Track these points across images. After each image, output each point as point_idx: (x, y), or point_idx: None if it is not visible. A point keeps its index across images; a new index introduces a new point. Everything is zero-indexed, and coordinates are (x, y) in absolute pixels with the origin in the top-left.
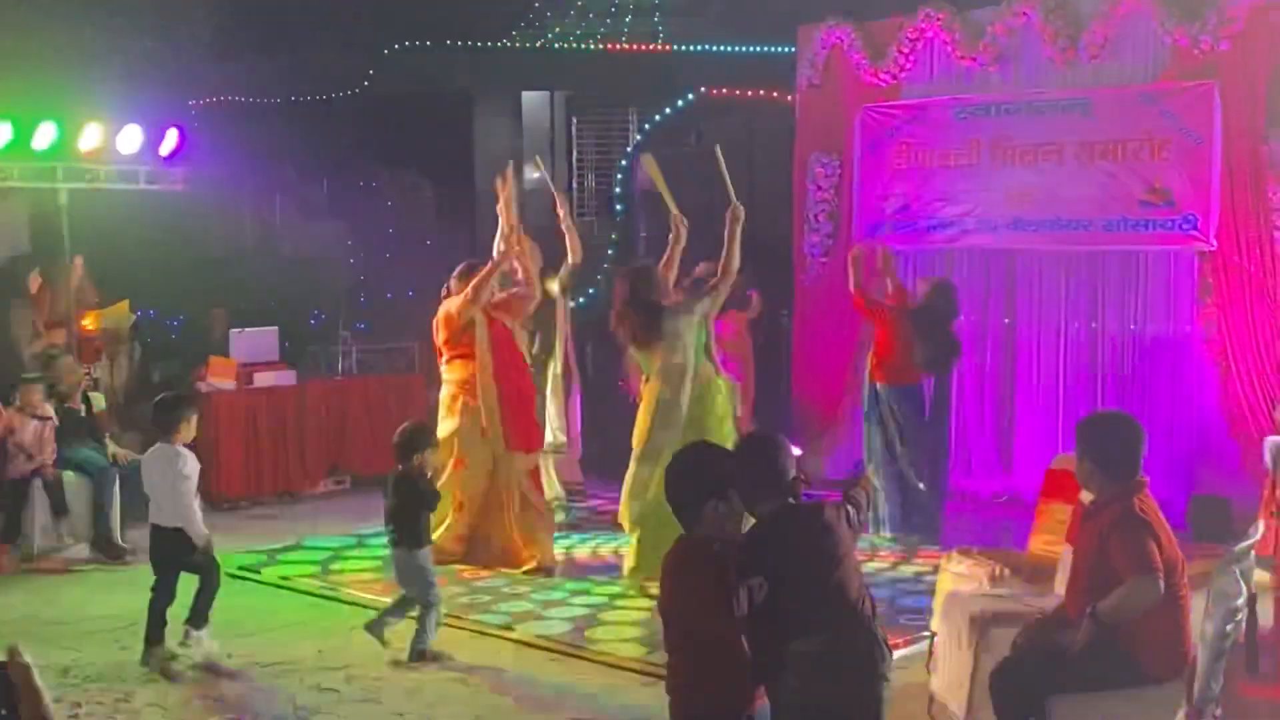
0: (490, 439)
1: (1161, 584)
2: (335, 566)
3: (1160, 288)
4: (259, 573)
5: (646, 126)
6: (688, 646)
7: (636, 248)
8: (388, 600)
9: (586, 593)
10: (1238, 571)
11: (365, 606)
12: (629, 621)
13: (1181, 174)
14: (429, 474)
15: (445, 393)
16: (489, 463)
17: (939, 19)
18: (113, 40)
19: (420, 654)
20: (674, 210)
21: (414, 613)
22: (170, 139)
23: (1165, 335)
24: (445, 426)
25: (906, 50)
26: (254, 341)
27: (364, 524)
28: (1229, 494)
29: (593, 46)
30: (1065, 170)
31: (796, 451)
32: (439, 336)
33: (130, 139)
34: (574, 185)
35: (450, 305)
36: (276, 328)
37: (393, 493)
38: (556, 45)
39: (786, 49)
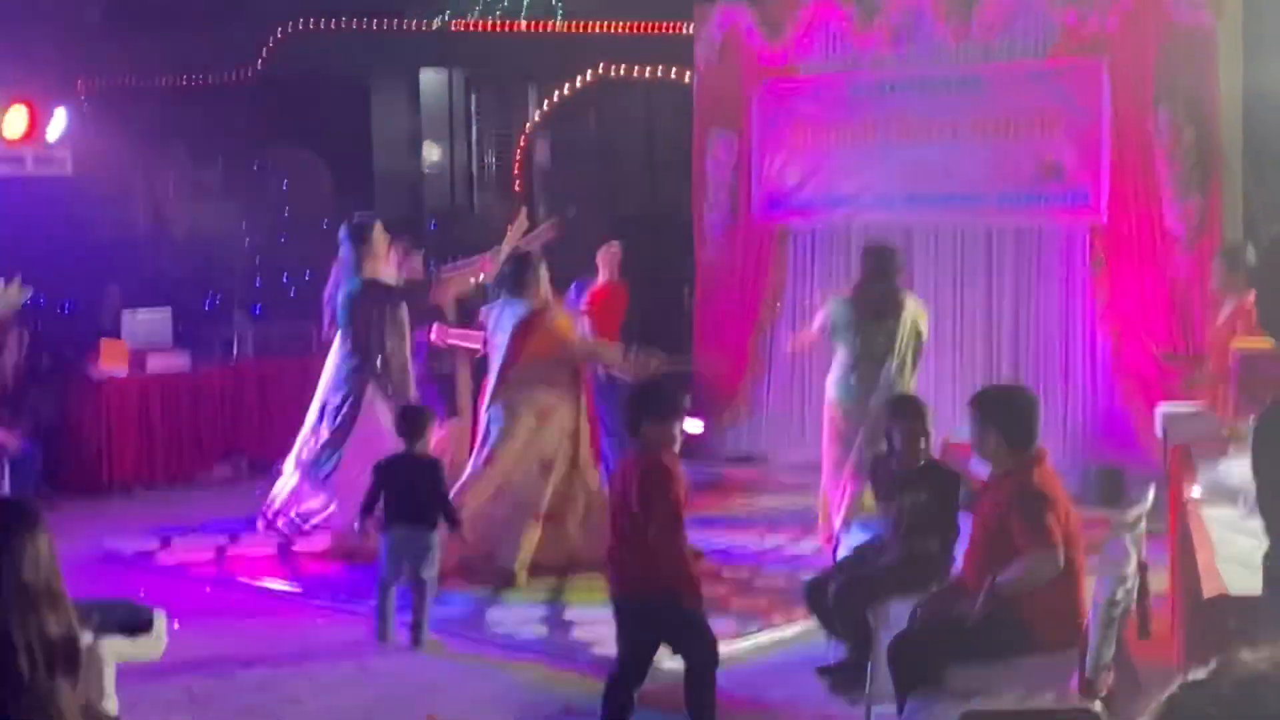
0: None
1: (1061, 558)
2: (231, 552)
3: (1054, 261)
4: (154, 559)
5: (545, 105)
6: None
7: (535, 226)
8: (286, 586)
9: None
10: (1128, 539)
11: (262, 592)
12: (529, 602)
13: (1072, 149)
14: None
15: (544, 400)
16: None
17: None
18: None
19: (421, 640)
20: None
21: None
22: (58, 120)
23: (1060, 307)
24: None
25: (802, 29)
26: (146, 324)
27: (260, 508)
28: (1123, 462)
29: (491, 25)
30: (959, 146)
31: (699, 427)
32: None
33: (15, 122)
34: (474, 164)
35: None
36: (169, 310)
37: (399, 475)
38: (454, 24)
39: (684, 27)
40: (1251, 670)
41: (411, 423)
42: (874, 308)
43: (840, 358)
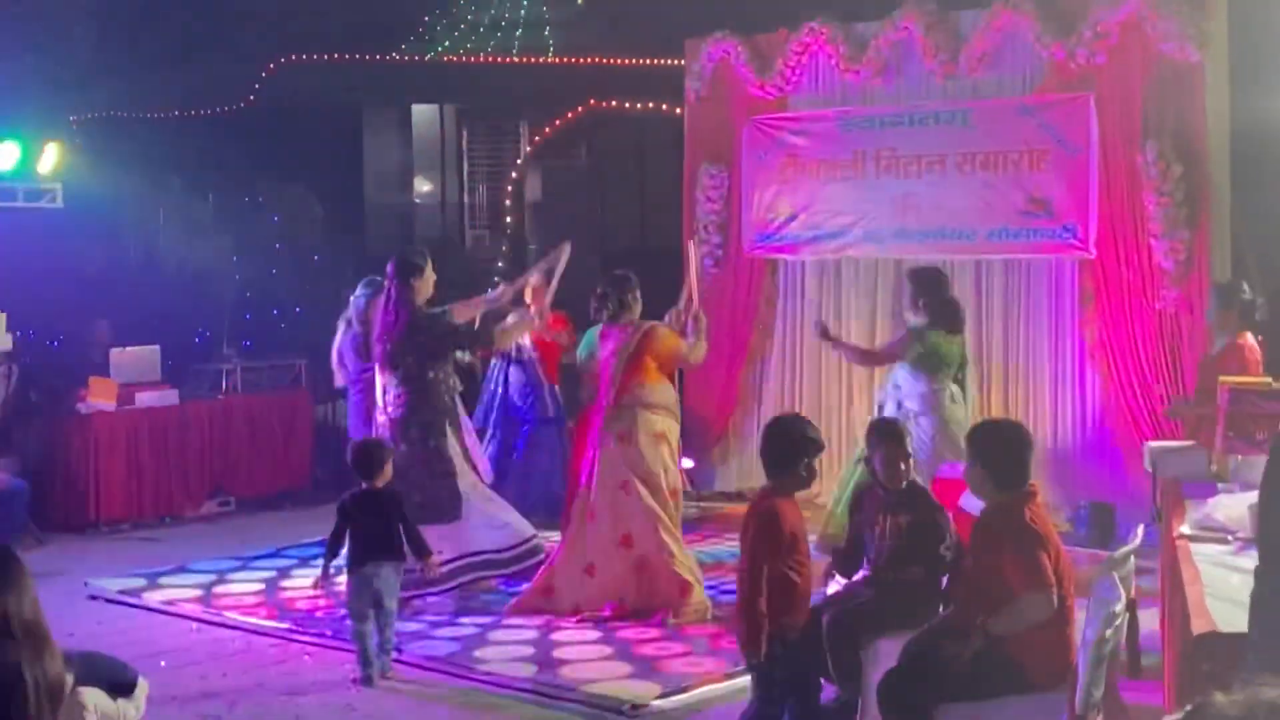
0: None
1: (1055, 599)
2: (219, 590)
3: (1043, 296)
4: (140, 597)
5: (537, 139)
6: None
7: (526, 260)
8: (273, 624)
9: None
10: (1116, 577)
11: (249, 631)
12: (517, 640)
13: (1060, 184)
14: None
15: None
16: None
17: (823, 32)
18: None
19: (387, 672)
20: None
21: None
22: (49, 155)
23: (1049, 343)
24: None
25: (792, 63)
26: (135, 360)
27: (248, 547)
28: (1114, 499)
29: (482, 59)
30: (948, 181)
31: (688, 463)
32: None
33: (6, 156)
34: (465, 198)
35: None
36: (158, 346)
37: (364, 511)
38: (446, 58)
39: (675, 62)
40: (1222, 714)
41: (369, 457)
42: (953, 324)
43: (930, 383)
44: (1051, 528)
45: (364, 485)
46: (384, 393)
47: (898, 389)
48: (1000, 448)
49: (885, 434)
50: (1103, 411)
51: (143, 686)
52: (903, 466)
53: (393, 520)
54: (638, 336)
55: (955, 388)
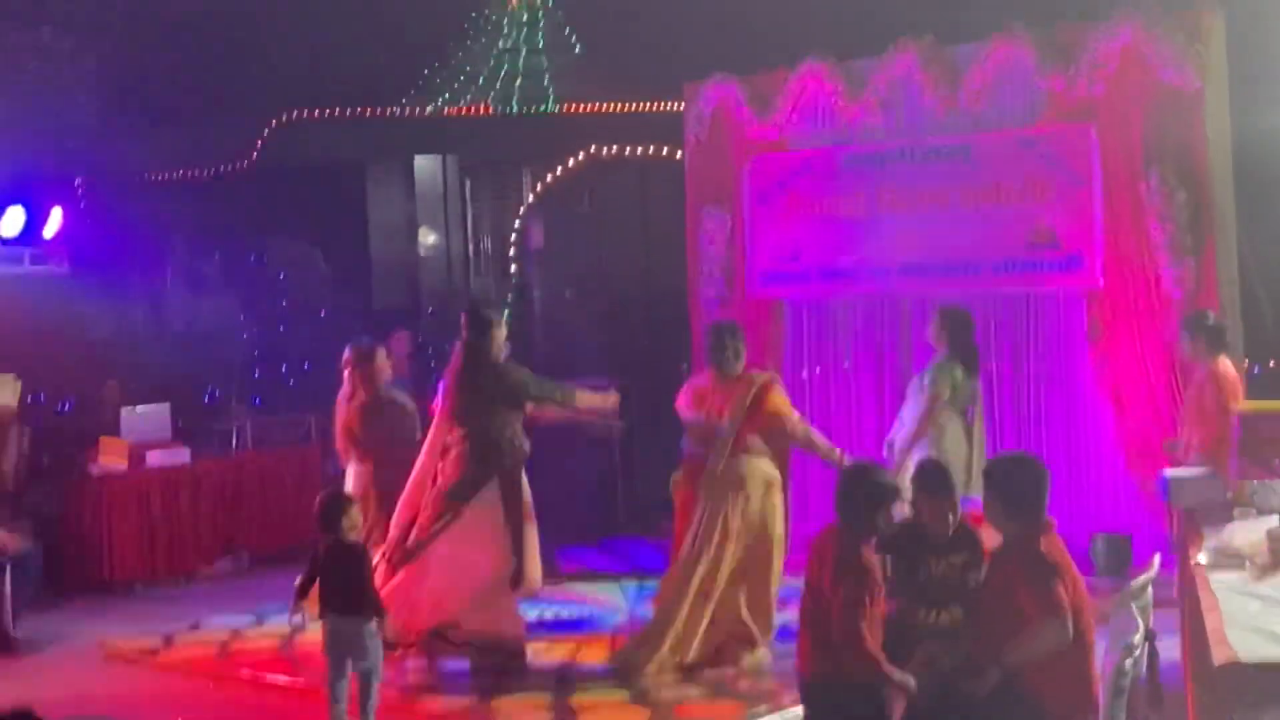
0: None
1: (1070, 627)
2: (235, 647)
3: (1051, 328)
4: (156, 656)
5: (539, 187)
6: None
7: (532, 308)
8: (289, 678)
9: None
10: (1134, 608)
11: (266, 687)
12: (536, 687)
13: (1065, 215)
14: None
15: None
16: None
17: (821, 70)
18: None
19: None
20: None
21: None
22: (54, 219)
23: (1059, 375)
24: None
25: (791, 102)
26: (145, 420)
27: (263, 603)
28: (1130, 530)
29: (483, 111)
30: (951, 215)
31: None
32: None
33: (12, 221)
34: (469, 249)
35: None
36: (168, 405)
37: (328, 563)
38: (446, 111)
39: (675, 106)
40: None
41: (331, 509)
42: (971, 365)
43: (946, 421)
44: (1068, 559)
45: (333, 538)
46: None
47: (903, 424)
48: (1016, 480)
49: (933, 482)
50: (1116, 442)
51: None
52: (951, 517)
53: (352, 575)
54: (755, 389)
55: (958, 422)
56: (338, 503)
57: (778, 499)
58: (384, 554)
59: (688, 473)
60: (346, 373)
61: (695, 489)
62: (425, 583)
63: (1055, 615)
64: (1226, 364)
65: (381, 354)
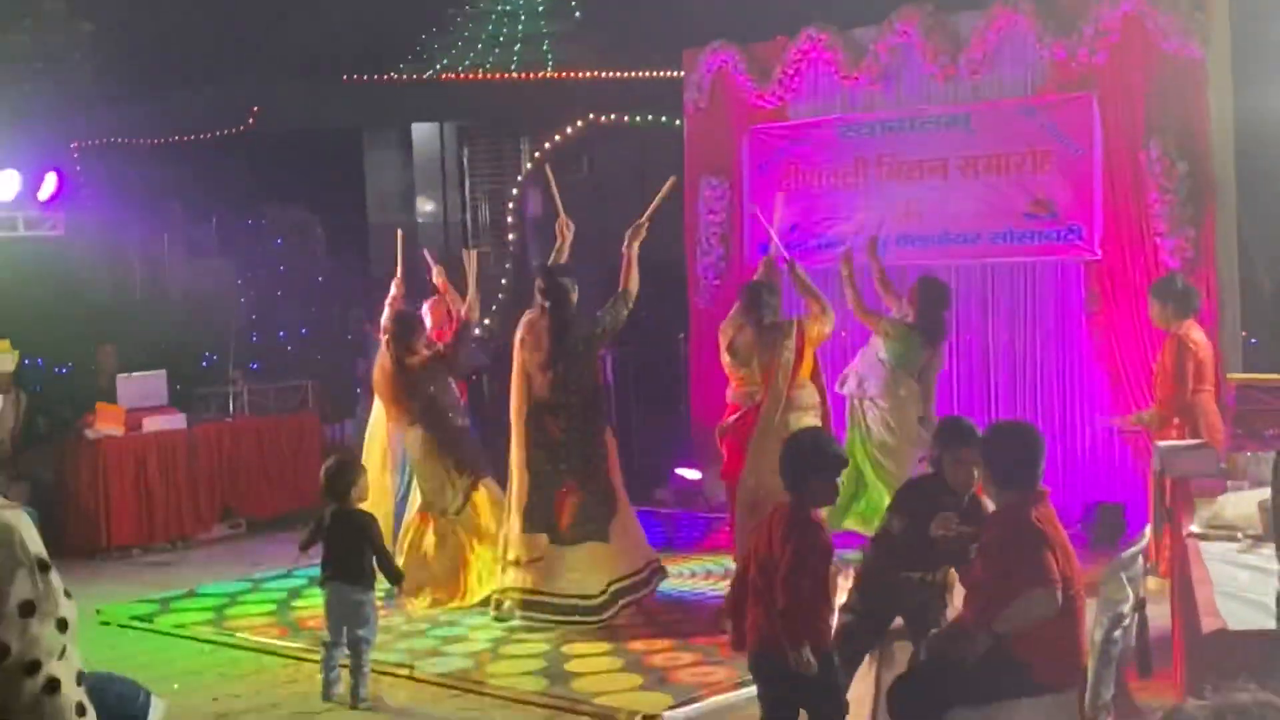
0: None
1: (1059, 596)
2: (231, 612)
3: (1049, 298)
4: (152, 621)
5: (537, 154)
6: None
7: (528, 275)
8: (284, 642)
9: (487, 627)
10: (1124, 577)
11: (261, 651)
12: (529, 654)
13: (1064, 185)
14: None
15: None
16: None
17: (821, 39)
18: None
19: (363, 697)
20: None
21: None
22: (49, 183)
23: (1056, 345)
24: None
25: (791, 71)
26: (142, 386)
27: (259, 568)
28: (1124, 499)
29: (481, 77)
30: (950, 185)
31: (696, 474)
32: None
33: (7, 185)
34: (467, 216)
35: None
36: (164, 371)
37: (333, 530)
38: (444, 77)
39: (675, 73)
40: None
41: (338, 476)
42: (935, 335)
43: (899, 381)
44: (1060, 529)
45: (338, 505)
46: None
47: (860, 372)
48: (1010, 448)
49: (957, 433)
50: (1111, 412)
51: (158, 706)
52: (975, 471)
53: (357, 544)
54: (795, 333)
55: (910, 382)
56: (349, 470)
57: None
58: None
59: (737, 424)
60: (385, 339)
61: (744, 438)
62: None
63: (1044, 585)
64: (1193, 329)
65: (424, 322)
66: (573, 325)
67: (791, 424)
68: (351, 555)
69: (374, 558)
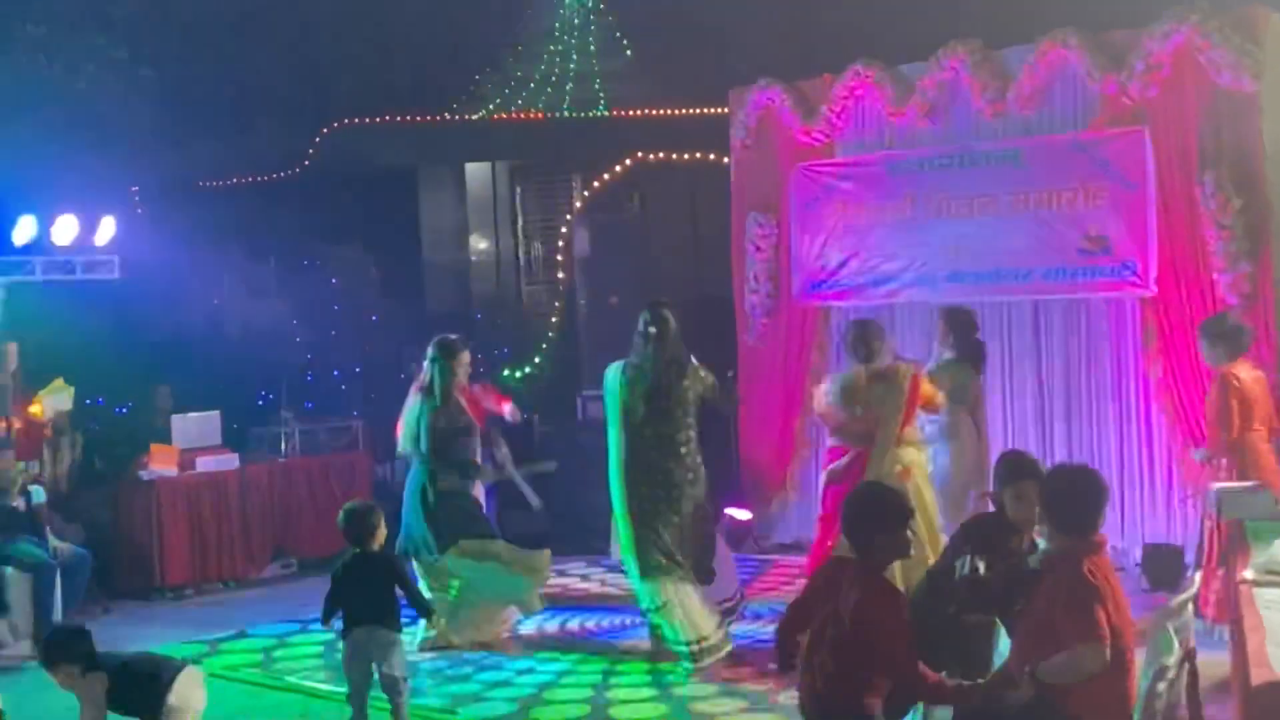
0: None
1: (1107, 652)
2: (279, 654)
3: (1104, 335)
4: (200, 664)
5: (586, 193)
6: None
7: (576, 314)
8: (329, 687)
9: (531, 670)
10: (1171, 628)
11: (307, 694)
12: (574, 699)
13: (1118, 220)
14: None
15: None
16: None
17: (869, 75)
18: (48, 130)
19: None
20: None
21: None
22: (105, 227)
23: (1112, 383)
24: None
25: (838, 108)
26: (196, 426)
27: (309, 609)
28: (1182, 542)
29: (533, 116)
30: (1001, 221)
31: (746, 515)
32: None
33: (64, 230)
34: (520, 253)
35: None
36: (218, 411)
37: (354, 576)
38: (497, 116)
39: (723, 110)
40: None
41: (359, 521)
42: (979, 360)
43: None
44: (1114, 579)
45: (356, 550)
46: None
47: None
48: (1071, 493)
49: (1018, 467)
50: (1169, 452)
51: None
52: (1038, 508)
53: (384, 585)
54: (908, 383)
55: (968, 420)
56: (371, 515)
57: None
58: None
59: (850, 467)
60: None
61: (851, 483)
62: None
63: (1093, 639)
64: (1242, 368)
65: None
66: (683, 364)
67: (907, 459)
68: (379, 596)
69: (401, 595)
